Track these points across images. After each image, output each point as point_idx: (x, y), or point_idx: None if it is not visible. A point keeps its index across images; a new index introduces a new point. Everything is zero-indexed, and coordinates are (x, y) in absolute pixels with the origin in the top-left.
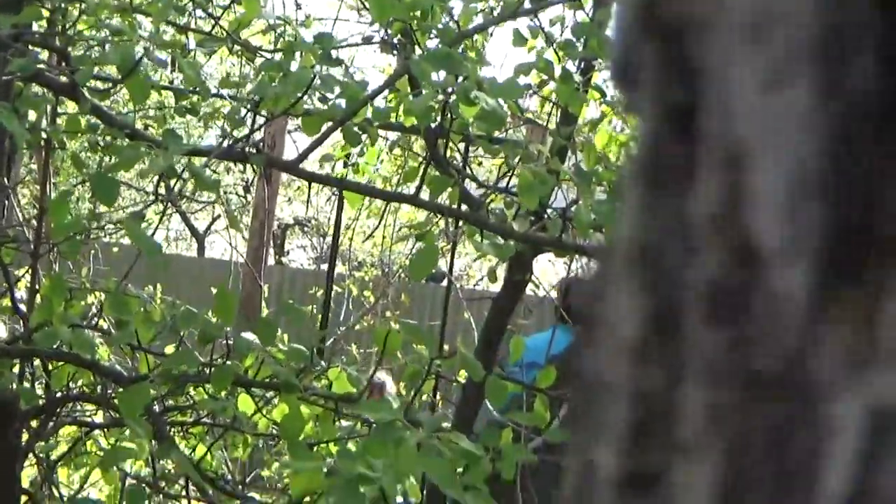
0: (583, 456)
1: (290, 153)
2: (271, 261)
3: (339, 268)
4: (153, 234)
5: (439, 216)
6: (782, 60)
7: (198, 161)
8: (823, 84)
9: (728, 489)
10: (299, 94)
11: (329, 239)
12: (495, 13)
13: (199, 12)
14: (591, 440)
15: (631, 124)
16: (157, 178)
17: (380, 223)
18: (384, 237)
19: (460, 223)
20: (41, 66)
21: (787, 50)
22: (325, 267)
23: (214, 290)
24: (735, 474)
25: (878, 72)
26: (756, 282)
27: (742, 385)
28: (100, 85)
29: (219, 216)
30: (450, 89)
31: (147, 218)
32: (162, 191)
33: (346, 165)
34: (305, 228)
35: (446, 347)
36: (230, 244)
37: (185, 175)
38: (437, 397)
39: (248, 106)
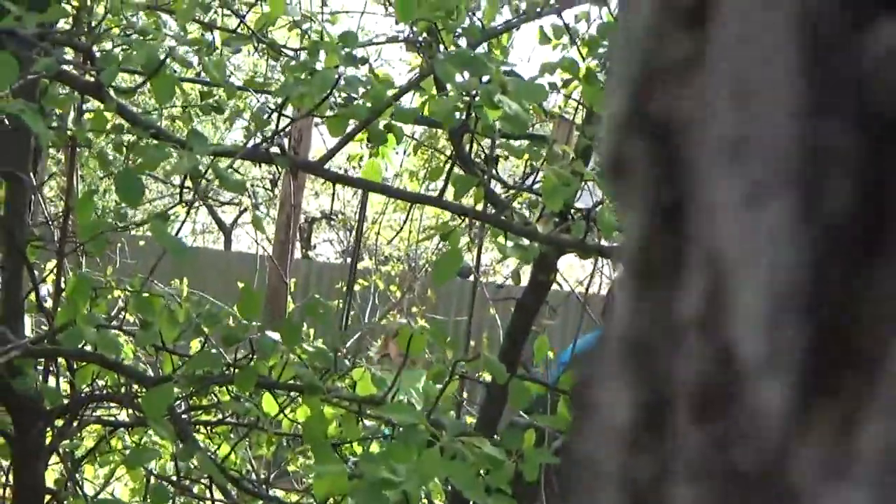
0: None
1: (317, 147)
2: (298, 254)
3: (366, 262)
4: (180, 227)
5: (463, 217)
6: (761, 179)
7: (223, 160)
8: (802, 205)
9: None
10: (323, 96)
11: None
12: (520, 11)
13: (224, 9)
14: None
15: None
16: (183, 178)
17: (406, 220)
18: (410, 231)
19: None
20: (67, 64)
21: (765, 169)
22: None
23: (241, 285)
24: None
25: (856, 195)
26: (737, 388)
27: (725, 484)
28: (125, 82)
29: (245, 209)
30: (473, 91)
31: (173, 211)
32: (187, 190)
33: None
34: (332, 222)
35: (472, 344)
36: (255, 240)
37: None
38: (463, 395)
39: (273, 106)
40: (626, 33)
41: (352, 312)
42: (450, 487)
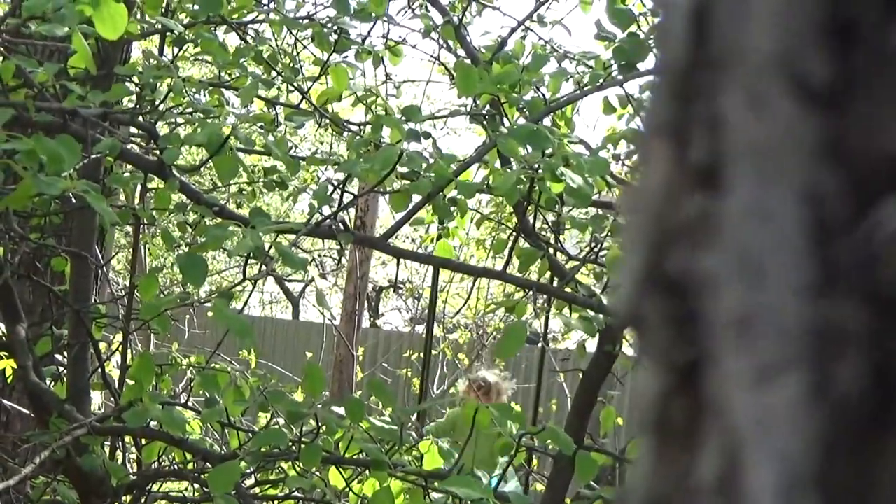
0: None
1: (384, 216)
2: (366, 323)
3: (434, 330)
4: (248, 298)
5: (530, 292)
6: (770, 356)
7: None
8: (811, 383)
9: None
10: (385, 172)
11: (423, 301)
12: (584, 82)
13: (287, 85)
14: None
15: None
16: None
17: (470, 293)
18: (478, 300)
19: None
20: (131, 144)
21: (774, 347)
22: (419, 328)
23: (307, 357)
24: None
25: (866, 373)
26: None
27: None
28: (191, 158)
29: (312, 279)
30: (536, 164)
31: (242, 285)
32: (250, 270)
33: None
34: (400, 290)
35: (541, 411)
36: (321, 312)
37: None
38: (533, 465)
39: (336, 181)
40: (643, 191)
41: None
42: None
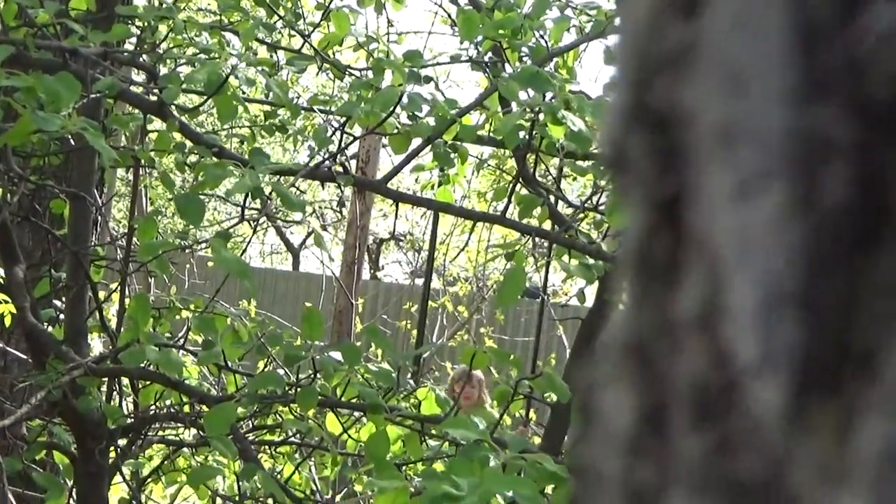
0: None
1: (385, 168)
2: (366, 275)
3: (434, 283)
4: (246, 247)
5: (529, 236)
6: (753, 168)
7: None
8: (795, 196)
9: None
10: (386, 114)
11: (423, 254)
12: (587, 30)
13: (289, 30)
14: None
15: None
16: (245, 196)
17: (468, 239)
18: (478, 252)
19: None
20: (132, 84)
21: (757, 158)
22: (419, 281)
23: (308, 306)
24: None
25: (853, 185)
26: (734, 390)
27: (724, 492)
28: (189, 102)
29: (313, 230)
30: (537, 108)
31: (242, 232)
32: (249, 209)
33: (439, 178)
34: (400, 243)
35: (540, 364)
36: (321, 262)
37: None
38: (530, 416)
39: (336, 125)
40: (625, 25)
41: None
42: None
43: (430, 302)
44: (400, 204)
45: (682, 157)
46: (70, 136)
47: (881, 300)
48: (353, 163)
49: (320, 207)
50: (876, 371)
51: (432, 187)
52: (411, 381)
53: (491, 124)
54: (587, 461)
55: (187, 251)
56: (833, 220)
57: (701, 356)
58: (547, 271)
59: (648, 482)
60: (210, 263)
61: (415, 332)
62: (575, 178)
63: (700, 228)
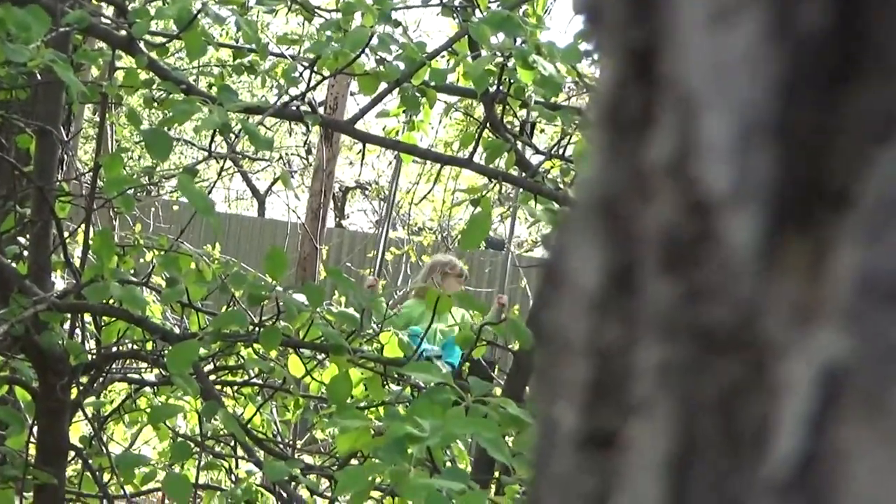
0: (545, 413)
1: (351, 113)
2: (332, 223)
3: (400, 233)
4: (210, 191)
5: (495, 181)
6: None
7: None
8: (771, 22)
9: (679, 449)
10: (355, 54)
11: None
12: None
13: None
14: (553, 397)
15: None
16: (212, 135)
17: (433, 185)
18: (443, 202)
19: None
20: (101, 19)
21: None
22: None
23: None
24: (686, 434)
25: (831, 10)
26: (706, 231)
27: (694, 341)
28: (158, 39)
29: (281, 173)
30: (507, 52)
31: (207, 177)
32: (217, 148)
33: (404, 124)
34: (366, 191)
35: (504, 316)
36: (288, 206)
37: (242, 133)
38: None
39: (305, 64)
40: None
41: (384, 281)
42: (474, 454)
43: (394, 250)
44: (366, 153)
45: (655, 3)
46: (37, 71)
47: (856, 129)
48: (321, 109)
49: (287, 154)
50: (850, 203)
51: (397, 133)
52: (376, 325)
53: (461, 69)
54: (553, 327)
55: (153, 193)
56: (811, 47)
57: (673, 203)
58: (513, 222)
59: (614, 340)
60: (175, 207)
61: (381, 281)
62: (543, 130)
63: (674, 66)
